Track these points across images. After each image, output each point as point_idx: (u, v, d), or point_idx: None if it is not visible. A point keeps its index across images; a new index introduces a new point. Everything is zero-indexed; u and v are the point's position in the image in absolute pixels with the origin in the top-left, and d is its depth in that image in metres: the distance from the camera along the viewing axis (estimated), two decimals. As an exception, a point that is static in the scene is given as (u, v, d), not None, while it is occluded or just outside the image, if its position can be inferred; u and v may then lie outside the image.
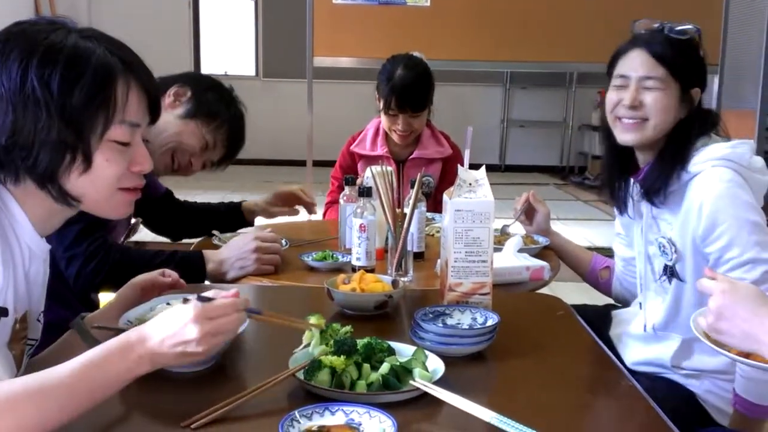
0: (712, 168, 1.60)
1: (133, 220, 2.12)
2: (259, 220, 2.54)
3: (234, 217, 2.42)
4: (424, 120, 2.76)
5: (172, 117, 2.03)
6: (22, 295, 1.20)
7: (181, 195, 2.44)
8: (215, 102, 2.10)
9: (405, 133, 2.71)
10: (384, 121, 2.75)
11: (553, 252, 2.18)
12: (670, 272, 1.72)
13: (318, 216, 2.71)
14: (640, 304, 1.87)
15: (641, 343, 1.82)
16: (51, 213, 1.20)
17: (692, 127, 1.68)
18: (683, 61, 1.67)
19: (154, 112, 1.23)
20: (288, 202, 2.49)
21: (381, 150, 2.79)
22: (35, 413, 0.95)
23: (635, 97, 1.67)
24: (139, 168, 1.21)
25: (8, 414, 0.93)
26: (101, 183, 1.16)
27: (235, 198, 2.53)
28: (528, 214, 2.22)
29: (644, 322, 1.80)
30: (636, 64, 1.68)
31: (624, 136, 1.71)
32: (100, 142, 1.14)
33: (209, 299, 1.11)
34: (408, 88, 2.64)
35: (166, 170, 2.07)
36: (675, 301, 1.74)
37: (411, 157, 2.80)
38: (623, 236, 1.98)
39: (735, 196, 1.58)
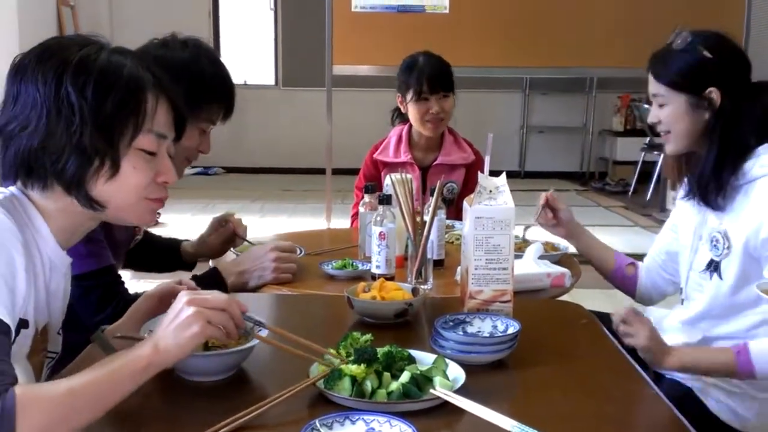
0: None
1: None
2: (274, 230, 2.49)
3: (171, 256, 2.22)
4: (452, 105, 2.78)
5: None
6: (43, 308, 1.21)
7: (201, 204, 2.43)
8: (195, 91, 1.77)
9: (439, 116, 2.73)
10: (414, 112, 2.74)
11: (579, 251, 2.13)
12: (714, 267, 1.74)
13: (333, 225, 2.69)
14: (682, 300, 1.88)
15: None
16: (75, 225, 1.24)
17: (720, 124, 1.73)
18: (683, 71, 1.76)
19: (179, 129, 1.28)
20: (221, 227, 2.23)
21: (405, 157, 2.79)
22: (63, 413, 0.98)
23: (654, 115, 1.83)
24: (164, 179, 1.25)
25: (38, 413, 0.96)
26: (127, 190, 1.20)
27: (254, 207, 2.49)
28: (553, 216, 2.11)
29: (680, 317, 1.81)
30: (649, 85, 1.84)
31: (665, 148, 1.86)
32: (128, 150, 1.18)
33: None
34: (435, 69, 2.74)
35: (186, 166, 1.96)
36: (711, 299, 1.74)
37: (434, 163, 2.80)
38: (677, 229, 1.96)
39: None
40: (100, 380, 1.02)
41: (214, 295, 1.14)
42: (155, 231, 2.29)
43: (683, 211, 1.90)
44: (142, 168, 1.20)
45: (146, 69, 1.21)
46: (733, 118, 1.72)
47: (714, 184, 1.71)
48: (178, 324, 1.08)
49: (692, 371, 1.66)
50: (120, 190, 1.19)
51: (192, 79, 1.79)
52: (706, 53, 1.74)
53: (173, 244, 2.25)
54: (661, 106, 1.80)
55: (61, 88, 1.13)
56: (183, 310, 1.09)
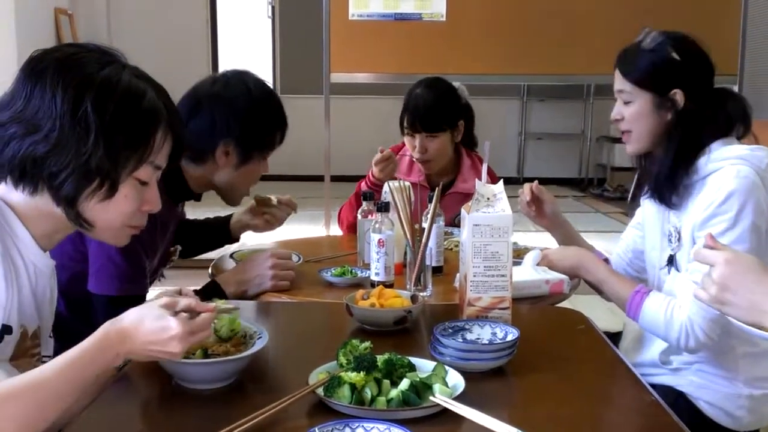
0: (731, 166, 1.65)
1: (171, 248, 2.09)
2: (273, 237, 2.51)
3: (222, 233, 2.35)
4: (444, 145, 2.63)
5: (232, 171, 1.99)
6: (31, 312, 1.22)
7: (199, 211, 2.43)
8: (262, 134, 2.03)
9: (421, 156, 2.61)
10: (406, 143, 2.68)
11: (559, 244, 2.10)
12: (671, 261, 1.76)
13: (332, 232, 2.66)
14: None
15: (639, 344, 1.85)
16: (56, 230, 1.24)
17: (681, 126, 1.74)
18: (650, 70, 1.76)
19: (173, 161, 1.28)
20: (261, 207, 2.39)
21: (417, 177, 2.67)
22: (20, 412, 1.00)
23: (617, 111, 1.82)
24: (149, 207, 1.26)
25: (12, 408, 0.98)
26: (114, 215, 1.21)
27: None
28: (537, 208, 2.09)
29: None
30: (615, 82, 1.83)
31: (626, 148, 1.88)
32: (127, 178, 1.19)
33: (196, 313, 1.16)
34: (422, 106, 2.59)
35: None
36: (671, 293, 1.74)
37: (450, 191, 2.64)
38: (642, 227, 1.97)
39: (749, 193, 1.61)
40: (65, 378, 1.05)
41: (205, 335, 1.17)
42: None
43: (649, 210, 1.91)
44: (132, 197, 1.21)
45: (161, 99, 1.22)
46: (695, 121, 1.73)
47: (669, 184, 1.73)
48: (157, 350, 1.11)
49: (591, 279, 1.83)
50: (107, 213, 1.20)
51: (263, 113, 2.02)
52: (674, 54, 1.75)
53: (222, 222, 2.36)
54: (626, 103, 1.79)
55: (80, 106, 1.12)
56: (170, 342, 1.10)
